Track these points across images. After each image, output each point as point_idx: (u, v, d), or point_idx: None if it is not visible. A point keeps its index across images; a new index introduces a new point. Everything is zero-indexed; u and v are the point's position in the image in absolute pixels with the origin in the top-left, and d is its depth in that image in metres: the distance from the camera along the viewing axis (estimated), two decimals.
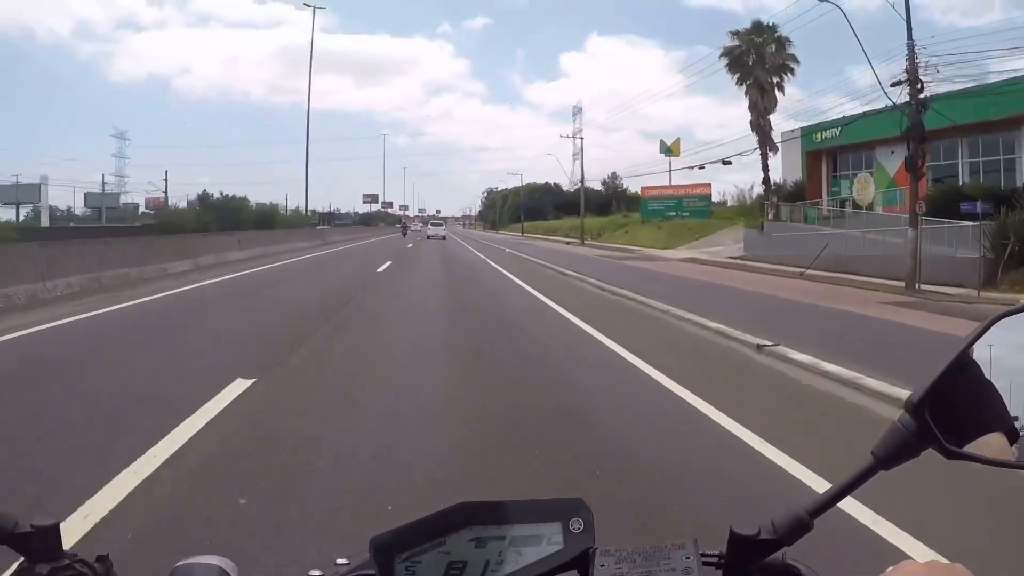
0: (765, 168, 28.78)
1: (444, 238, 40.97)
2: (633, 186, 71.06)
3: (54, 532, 0.53)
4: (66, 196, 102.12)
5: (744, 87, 29.06)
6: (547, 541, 0.53)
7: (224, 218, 32.80)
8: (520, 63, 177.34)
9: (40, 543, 0.53)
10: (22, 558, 0.53)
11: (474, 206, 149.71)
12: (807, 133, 24.92)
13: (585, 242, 36.24)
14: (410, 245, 27.31)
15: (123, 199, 73.59)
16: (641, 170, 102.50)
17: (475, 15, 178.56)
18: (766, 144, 28.33)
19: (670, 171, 41.92)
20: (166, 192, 63.27)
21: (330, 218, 68.66)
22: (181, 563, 0.54)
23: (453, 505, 0.51)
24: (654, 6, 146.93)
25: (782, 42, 28.51)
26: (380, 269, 14.01)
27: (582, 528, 0.54)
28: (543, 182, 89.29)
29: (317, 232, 28.88)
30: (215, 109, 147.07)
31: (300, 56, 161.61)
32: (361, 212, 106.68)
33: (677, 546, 0.57)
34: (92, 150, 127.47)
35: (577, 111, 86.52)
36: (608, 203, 75.33)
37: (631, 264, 18.55)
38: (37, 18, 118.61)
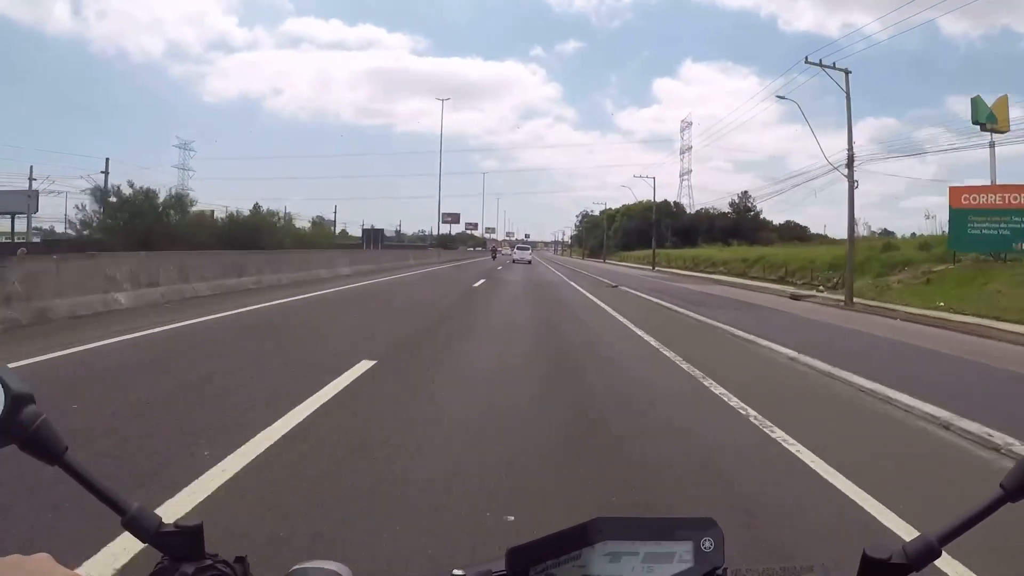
0: None
1: (530, 262, 43.19)
2: (769, 211, 62.19)
3: (198, 533, 0.57)
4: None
5: None
6: (679, 559, 0.56)
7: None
8: (612, 88, 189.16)
9: (184, 543, 0.57)
10: (163, 556, 0.57)
11: (566, 230, 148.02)
12: None
13: (820, 289, 22.37)
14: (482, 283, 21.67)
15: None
16: (768, 189, 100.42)
17: (567, 39, 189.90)
18: None
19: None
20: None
21: (375, 237, 59.33)
22: (297, 567, 0.57)
23: (590, 520, 0.55)
24: (750, 32, 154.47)
25: None
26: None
27: (712, 548, 0.56)
28: (660, 200, 76.25)
29: (332, 257, 20.91)
30: (301, 128, 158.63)
31: (389, 78, 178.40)
32: (439, 233, 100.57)
33: (807, 569, 0.59)
34: (161, 158, 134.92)
35: (686, 126, 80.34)
36: (735, 228, 67.64)
37: None
38: (132, 39, 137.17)
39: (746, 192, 71.29)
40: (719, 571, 0.56)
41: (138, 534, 0.57)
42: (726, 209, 68.72)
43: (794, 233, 66.25)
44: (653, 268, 40.63)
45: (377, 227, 73.39)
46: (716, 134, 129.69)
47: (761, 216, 68.52)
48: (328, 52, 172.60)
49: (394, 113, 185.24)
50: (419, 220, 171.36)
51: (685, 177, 77.91)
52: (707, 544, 0.56)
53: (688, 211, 72.50)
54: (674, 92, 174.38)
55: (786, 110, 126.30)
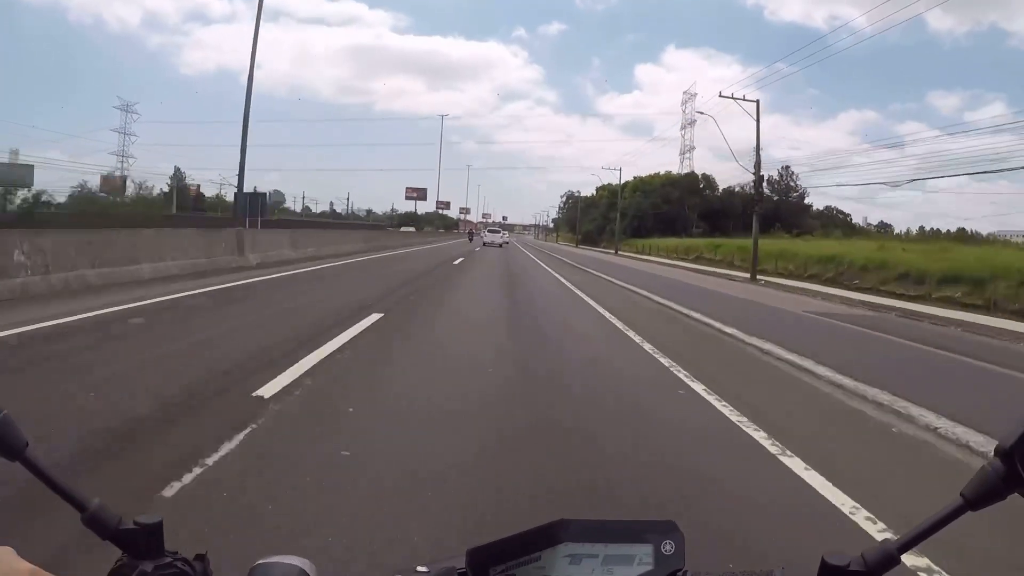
0: None
1: (501, 246, 44.14)
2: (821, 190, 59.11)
3: (157, 529, 0.60)
4: (68, 176, 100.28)
5: None
6: (639, 561, 0.59)
7: None
8: (595, 72, 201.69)
9: (144, 540, 0.60)
10: (123, 553, 0.60)
11: (549, 211, 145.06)
12: None
13: None
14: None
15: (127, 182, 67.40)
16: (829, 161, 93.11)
17: (550, 21, 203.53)
18: None
19: None
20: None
21: (254, 206, 35.90)
22: (260, 562, 0.60)
23: (551, 521, 0.59)
24: (735, 20, 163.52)
25: None
26: None
27: (673, 550, 0.60)
28: (677, 171, 70.59)
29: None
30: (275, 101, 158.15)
31: (369, 56, 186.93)
32: (403, 211, 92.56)
33: (766, 573, 0.63)
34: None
35: (689, 98, 71.87)
36: (775, 213, 58.00)
37: None
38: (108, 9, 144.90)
39: (787, 168, 63.32)
40: (679, 574, 0.61)
41: (98, 531, 0.60)
42: (788, 183, 61.77)
43: (835, 222, 60.93)
44: (754, 278, 24.36)
45: (262, 191, 66.42)
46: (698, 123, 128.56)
47: (807, 199, 62.31)
48: (308, 27, 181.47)
49: (372, 91, 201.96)
50: (389, 199, 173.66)
51: (687, 156, 71.51)
52: (667, 547, 0.60)
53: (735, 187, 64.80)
54: (656, 78, 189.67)
55: (767, 99, 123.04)
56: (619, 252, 51.46)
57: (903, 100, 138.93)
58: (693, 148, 71.42)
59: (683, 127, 70.30)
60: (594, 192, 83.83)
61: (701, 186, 67.61)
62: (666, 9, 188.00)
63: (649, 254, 48.94)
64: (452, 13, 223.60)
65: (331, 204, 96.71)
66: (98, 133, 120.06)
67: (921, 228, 62.68)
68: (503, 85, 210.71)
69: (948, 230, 62.68)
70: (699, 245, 43.27)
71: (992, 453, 0.57)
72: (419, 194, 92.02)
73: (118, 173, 61.93)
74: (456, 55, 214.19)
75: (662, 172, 70.37)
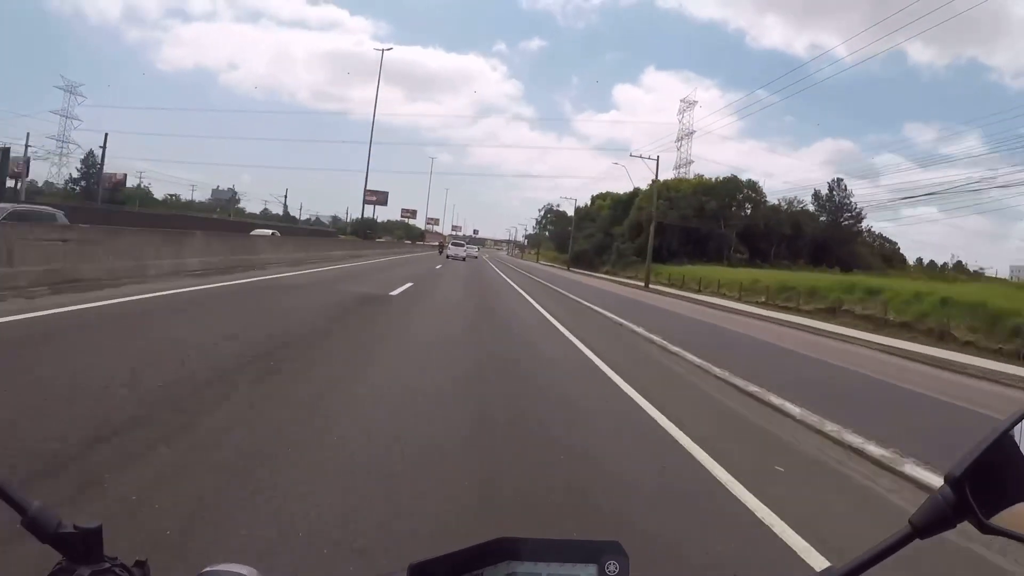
0: None
1: (464, 259, 44.34)
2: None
3: (96, 535, 0.62)
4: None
5: None
6: None
7: None
8: (573, 90, 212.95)
9: (82, 544, 0.61)
10: (62, 557, 0.62)
11: (522, 226, 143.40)
12: None
13: None
14: None
15: (64, 171, 64.35)
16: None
17: (531, 37, 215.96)
18: None
19: None
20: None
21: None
22: (207, 569, 0.63)
23: (492, 539, 0.61)
24: (717, 45, 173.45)
25: None
26: None
27: (617, 571, 0.61)
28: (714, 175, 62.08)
29: None
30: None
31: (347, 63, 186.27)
32: (357, 217, 77.63)
33: None
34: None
35: (688, 107, 69.16)
36: (824, 241, 50.01)
37: None
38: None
39: (839, 181, 56.39)
40: None
41: (37, 534, 0.61)
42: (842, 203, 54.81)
43: (884, 252, 56.67)
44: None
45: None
46: (668, 144, 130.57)
47: (863, 223, 55.59)
48: (288, 31, 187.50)
49: (348, 98, 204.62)
50: (355, 204, 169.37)
51: (683, 170, 67.93)
52: (612, 568, 0.60)
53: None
54: (634, 98, 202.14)
55: (744, 125, 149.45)
56: (650, 285, 36.71)
57: (879, 131, 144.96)
58: (691, 162, 67.62)
59: (679, 138, 66.44)
60: (587, 203, 76.82)
61: (740, 196, 57.93)
62: (647, 31, 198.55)
63: (699, 291, 34.46)
64: (433, 24, 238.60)
65: (264, 203, 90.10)
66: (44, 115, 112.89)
67: (919, 260, 63.88)
68: (481, 99, 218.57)
69: (944, 263, 65.62)
70: (797, 282, 28.94)
71: (943, 481, 0.59)
72: (379, 198, 79.21)
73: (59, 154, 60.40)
74: (435, 66, 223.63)
75: (690, 176, 63.14)
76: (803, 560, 2.83)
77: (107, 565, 0.61)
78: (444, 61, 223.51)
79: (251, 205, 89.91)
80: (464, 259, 43.00)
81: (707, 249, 50.33)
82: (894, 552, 0.59)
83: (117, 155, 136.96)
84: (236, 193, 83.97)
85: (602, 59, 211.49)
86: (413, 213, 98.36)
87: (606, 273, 53.46)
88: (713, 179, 57.66)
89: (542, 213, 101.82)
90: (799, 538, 3.04)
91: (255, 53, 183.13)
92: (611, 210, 64.61)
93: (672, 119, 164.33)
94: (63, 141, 61.54)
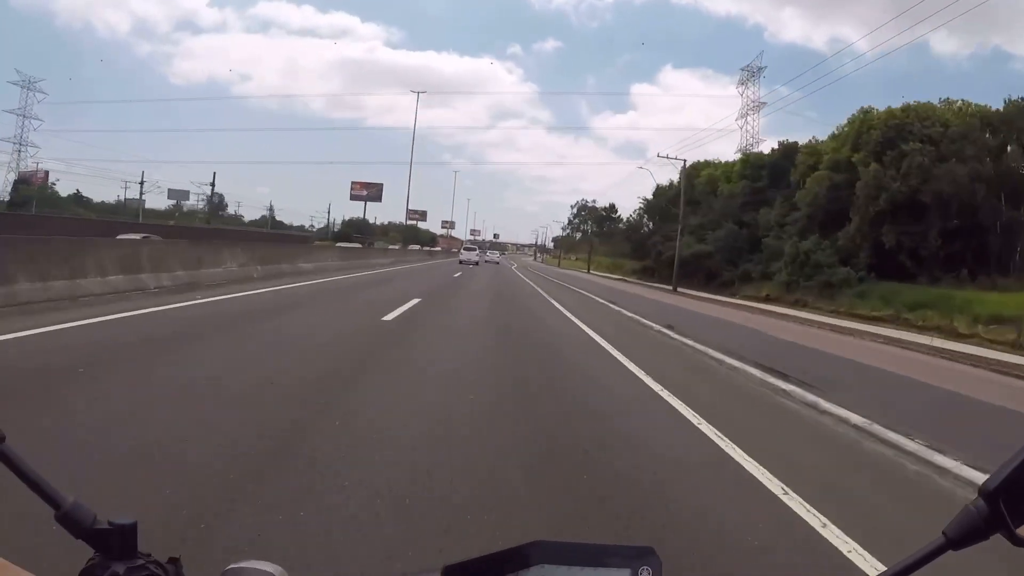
0: None
1: (476, 263, 42.21)
2: None
3: (131, 531, 0.64)
4: None
5: None
6: None
7: None
8: (590, 91, 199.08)
9: (117, 541, 0.63)
10: (95, 553, 0.63)
11: (548, 227, 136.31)
12: None
13: None
14: None
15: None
16: None
17: (545, 38, 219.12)
18: None
19: None
20: None
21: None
22: (231, 567, 0.65)
23: (527, 543, 0.61)
24: (734, 41, 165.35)
25: None
26: None
27: None
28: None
29: None
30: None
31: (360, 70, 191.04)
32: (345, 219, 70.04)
33: None
34: None
35: (751, 75, 53.54)
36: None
37: None
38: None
39: None
40: None
41: (71, 529, 0.63)
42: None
43: None
44: None
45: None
46: (694, 143, 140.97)
47: None
48: (299, 39, 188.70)
49: (362, 106, 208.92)
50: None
51: (750, 151, 52.63)
52: (645, 573, 0.61)
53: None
54: (651, 98, 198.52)
55: (764, 122, 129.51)
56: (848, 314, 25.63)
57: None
58: (761, 141, 51.95)
59: (743, 114, 52.15)
60: (645, 198, 56.15)
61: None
62: (663, 28, 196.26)
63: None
64: (446, 29, 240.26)
65: (237, 205, 79.38)
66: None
67: None
68: (497, 103, 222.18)
69: None
70: None
71: (977, 494, 0.58)
72: (370, 191, 67.02)
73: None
74: (449, 71, 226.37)
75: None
76: None
77: (141, 562, 0.63)
78: (458, 65, 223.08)
79: (246, 211, 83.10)
80: (477, 263, 42.05)
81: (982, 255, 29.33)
82: (928, 562, 0.61)
83: (79, 156, 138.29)
84: (190, 192, 72.00)
85: (618, 59, 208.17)
86: (423, 215, 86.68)
87: (766, 301, 32.33)
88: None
89: (573, 213, 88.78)
90: None
91: (266, 61, 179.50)
92: (747, 180, 41.83)
93: (690, 118, 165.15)
94: (20, 144, 57.64)
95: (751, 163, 43.33)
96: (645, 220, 56.00)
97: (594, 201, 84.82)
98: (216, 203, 67.50)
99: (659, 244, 45.87)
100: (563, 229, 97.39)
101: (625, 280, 46.93)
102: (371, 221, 73.36)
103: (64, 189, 62.59)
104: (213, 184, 63.06)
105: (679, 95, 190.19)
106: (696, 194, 44.90)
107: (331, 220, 73.19)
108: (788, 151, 38.41)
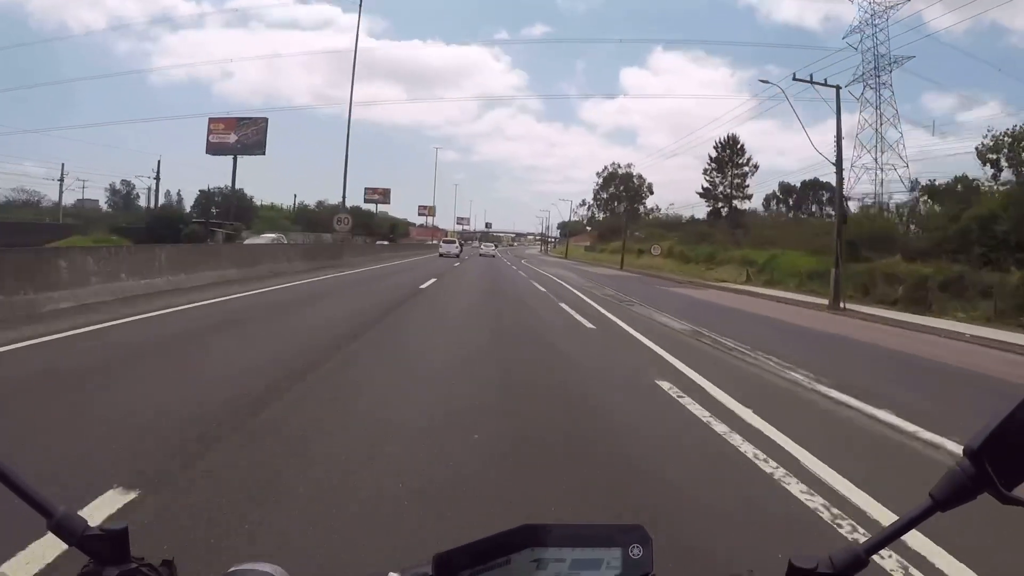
0: None
1: (456, 256, 41.05)
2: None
3: (123, 536, 0.65)
4: None
5: None
6: (606, 566, 0.63)
7: None
8: (579, 77, 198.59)
9: (109, 546, 0.64)
10: (89, 560, 0.65)
11: (546, 217, 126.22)
12: None
13: None
14: None
15: None
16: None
17: (533, 24, 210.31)
18: None
19: None
20: None
21: None
22: (234, 569, 0.66)
23: (517, 526, 0.63)
24: (726, 21, 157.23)
25: None
26: None
27: (641, 555, 0.64)
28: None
29: None
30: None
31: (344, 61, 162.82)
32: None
33: None
34: None
35: (886, 8, 38.92)
36: None
37: None
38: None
39: None
40: None
41: (64, 537, 0.64)
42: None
43: None
44: None
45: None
46: (685, 129, 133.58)
47: None
48: (280, 32, 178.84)
49: (344, 100, 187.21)
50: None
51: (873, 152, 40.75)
52: (635, 551, 0.63)
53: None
54: (642, 82, 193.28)
55: (759, 105, 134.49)
56: None
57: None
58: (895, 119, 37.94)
59: (868, 70, 38.23)
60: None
61: None
62: (652, 8, 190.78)
63: None
64: (432, 17, 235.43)
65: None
66: None
67: None
68: (485, 92, 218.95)
69: None
70: None
71: (961, 454, 0.59)
72: (382, 196, 66.47)
73: None
74: (436, 61, 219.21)
75: None
76: None
77: (134, 566, 0.64)
78: (444, 54, 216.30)
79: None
80: (456, 256, 40.16)
81: None
82: (916, 525, 0.63)
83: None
84: (134, 188, 59.97)
85: (608, 44, 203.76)
86: (385, 194, 70.37)
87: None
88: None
89: (599, 181, 67.31)
90: None
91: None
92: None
93: (681, 103, 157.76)
94: None
95: None
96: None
97: (628, 166, 63.19)
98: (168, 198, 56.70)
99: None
100: (585, 208, 77.85)
101: (697, 284, 28.28)
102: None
103: None
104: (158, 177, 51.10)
105: (670, 77, 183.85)
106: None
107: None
108: None
